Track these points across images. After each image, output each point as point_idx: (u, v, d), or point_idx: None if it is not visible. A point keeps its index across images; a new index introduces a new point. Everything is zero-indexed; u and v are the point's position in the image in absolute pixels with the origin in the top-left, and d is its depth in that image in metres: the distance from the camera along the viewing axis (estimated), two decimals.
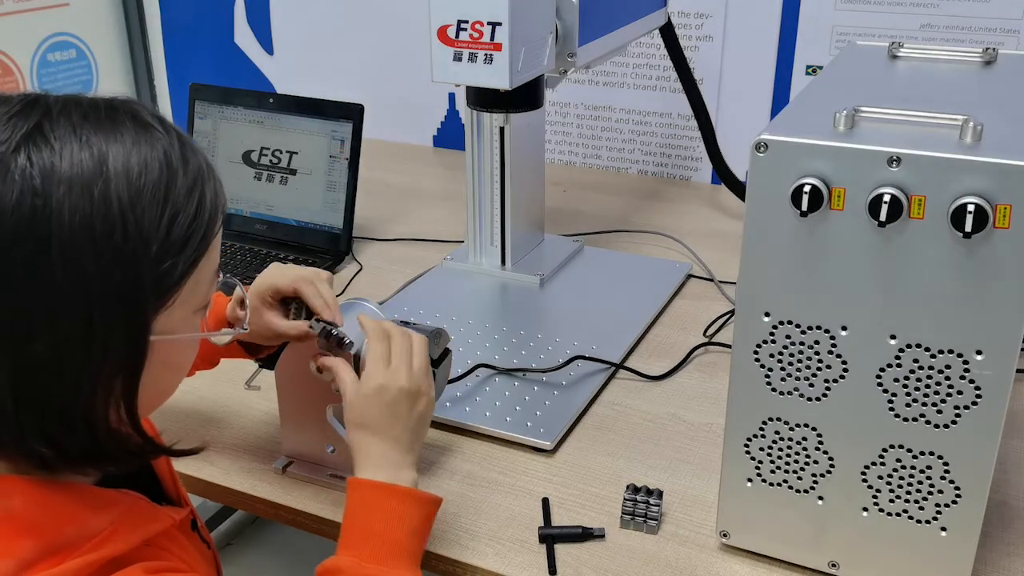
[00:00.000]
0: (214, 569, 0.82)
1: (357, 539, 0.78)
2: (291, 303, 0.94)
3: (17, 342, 0.58)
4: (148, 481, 0.79)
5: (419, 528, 0.80)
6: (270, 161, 1.56)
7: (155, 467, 0.80)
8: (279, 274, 0.92)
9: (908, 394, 0.76)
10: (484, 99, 1.28)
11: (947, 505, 0.78)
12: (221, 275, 0.73)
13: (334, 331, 0.89)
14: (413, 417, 0.85)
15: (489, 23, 1.10)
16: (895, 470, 0.79)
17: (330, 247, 1.52)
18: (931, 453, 0.77)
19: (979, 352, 0.73)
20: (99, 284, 0.59)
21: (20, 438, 0.61)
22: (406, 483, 0.81)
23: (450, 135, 2.09)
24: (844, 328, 0.77)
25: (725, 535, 0.89)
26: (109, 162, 0.60)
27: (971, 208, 0.68)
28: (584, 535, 0.92)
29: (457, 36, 1.12)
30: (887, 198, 0.70)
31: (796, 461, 0.83)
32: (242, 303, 0.88)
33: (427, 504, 0.81)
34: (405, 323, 0.95)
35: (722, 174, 1.66)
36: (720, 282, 1.43)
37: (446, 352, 0.98)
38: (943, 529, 0.79)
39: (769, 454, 0.84)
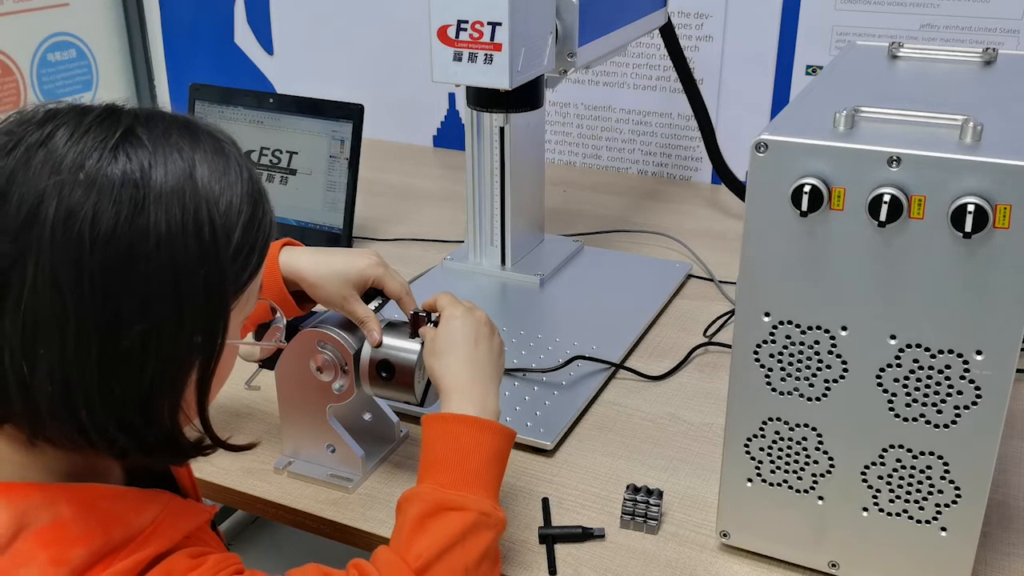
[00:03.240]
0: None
1: (434, 468, 0.81)
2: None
3: (108, 331, 0.60)
4: (169, 482, 0.80)
5: (493, 458, 0.83)
6: (270, 161, 1.56)
7: (174, 470, 0.81)
8: (372, 264, 0.97)
9: (908, 394, 0.76)
10: (484, 99, 1.28)
11: (947, 505, 0.78)
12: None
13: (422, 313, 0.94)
14: (494, 347, 0.90)
15: (489, 23, 1.10)
16: (895, 470, 0.79)
17: (330, 247, 1.52)
18: (931, 453, 0.77)
19: (979, 352, 0.73)
20: (189, 280, 0.62)
21: (101, 425, 0.63)
22: (491, 413, 0.85)
23: (450, 135, 2.09)
24: (844, 328, 0.77)
25: (725, 535, 0.89)
26: (196, 168, 0.63)
27: (971, 208, 0.68)
28: (584, 535, 0.92)
29: (457, 36, 1.12)
30: (887, 198, 0.70)
31: (796, 461, 0.83)
32: (274, 313, 0.91)
33: (501, 435, 0.85)
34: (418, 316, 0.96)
35: (722, 174, 1.66)
36: (720, 282, 1.43)
37: None
38: (943, 529, 0.79)
39: (769, 454, 0.84)
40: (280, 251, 0.97)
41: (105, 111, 0.64)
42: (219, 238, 0.63)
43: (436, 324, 0.92)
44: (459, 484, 0.80)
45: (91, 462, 0.68)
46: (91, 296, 0.59)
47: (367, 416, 1.06)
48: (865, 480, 0.81)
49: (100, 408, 0.62)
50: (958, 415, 0.75)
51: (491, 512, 0.79)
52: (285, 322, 0.89)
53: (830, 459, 0.82)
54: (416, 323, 0.94)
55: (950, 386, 0.75)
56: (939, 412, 0.76)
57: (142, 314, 0.60)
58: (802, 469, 0.83)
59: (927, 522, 0.80)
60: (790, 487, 0.84)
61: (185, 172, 0.62)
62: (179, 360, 0.63)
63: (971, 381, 0.74)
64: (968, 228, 0.68)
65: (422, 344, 0.94)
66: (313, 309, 1.00)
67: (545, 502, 0.97)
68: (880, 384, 0.77)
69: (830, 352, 0.78)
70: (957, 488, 0.78)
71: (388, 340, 0.95)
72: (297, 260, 0.96)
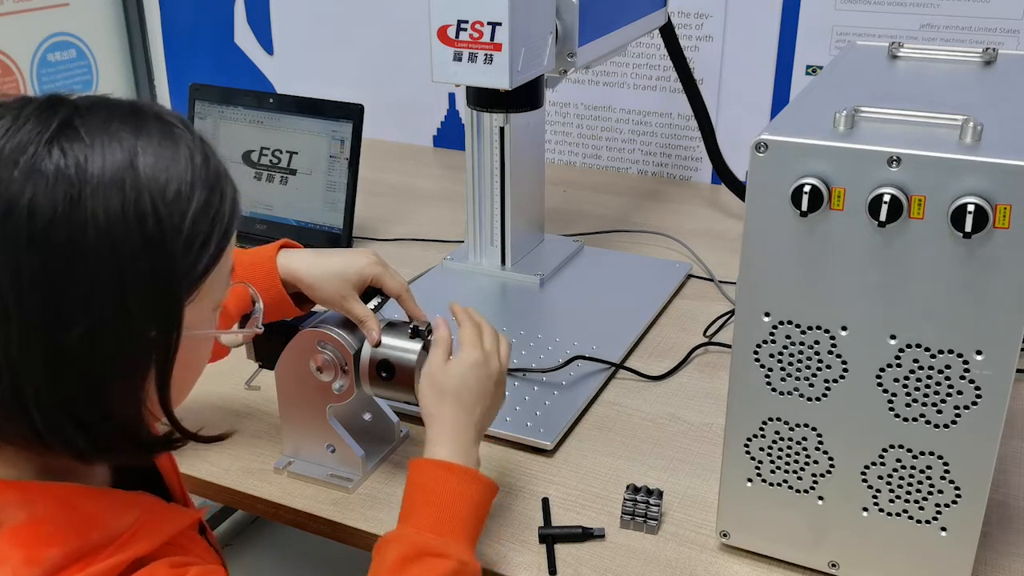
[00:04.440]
0: (224, 572, 0.82)
1: (418, 512, 0.80)
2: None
3: (52, 331, 0.59)
4: (155, 484, 0.79)
5: (477, 508, 0.82)
6: (270, 161, 1.56)
7: (162, 471, 0.81)
8: (372, 263, 0.96)
9: (908, 394, 0.76)
10: (484, 99, 1.28)
11: (947, 505, 0.78)
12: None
13: (421, 328, 0.93)
14: (494, 406, 0.89)
15: (489, 23, 1.10)
16: (895, 470, 0.79)
17: (330, 247, 1.52)
18: (931, 453, 0.77)
19: (979, 352, 0.73)
20: (134, 274, 0.60)
21: (56, 427, 0.62)
22: (473, 463, 0.84)
23: (450, 135, 2.09)
24: (844, 328, 0.77)
25: (725, 535, 0.89)
26: (139, 156, 0.61)
27: (971, 208, 0.68)
28: (584, 535, 0.92)
29: (457, 36, 1.12)
30: (887, 198, 0.70)
31: (796, 461, 0.83)
32: (253, 303, 0.89)
33: (486, 487, 0.84)
34: (422, 325, 0.95)
35: (722, 174, 1.66)
36: (720, 282, 1.43)
37: None
38: (943, 529, 0.79)
39: (769, 454, 0.84)
40: (277, 253, 0.96)
41: (45, 102, 0.62)
42: (165, 228, 0.61)
43: (427, 334, 0.92)
44: (442, 530, 0.79)
45: (70, 461, 0.66)
46: (31, 294, 0.58)
47: (367, 416, 1.06)
48: (865, 480, 0.81)
49: (52, 408, 0.60)
50: (958, 415, 0.75)
51: (469, 562, 0.78)
52: (262, 307, 0.86)
53: (830, 459, 0.82)
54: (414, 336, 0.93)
55: (950, 386, 0.75)
56: (939, 412, 0.76)
57: (86, 311, 0.59)
58: (802, 469, 0.83)
59: (927, 522, 0.80)
60: (790, 487, 0.84)
61: (125, 162, 0.60)
62: (131, 355, 0.62)
63: (971, 381, 0.74)
64: (968, 228, 0.68)
65: (422, 345, 0.94)
66: (313, 309, 1.00)
67: (545, 502, 0.97)
68: (880, 384, 0.77)
69: (830, 352, 0.78)
70: (957, 488, 0.78)
71: (388, 340, 0.95)
72: (294, 261, 0.95)
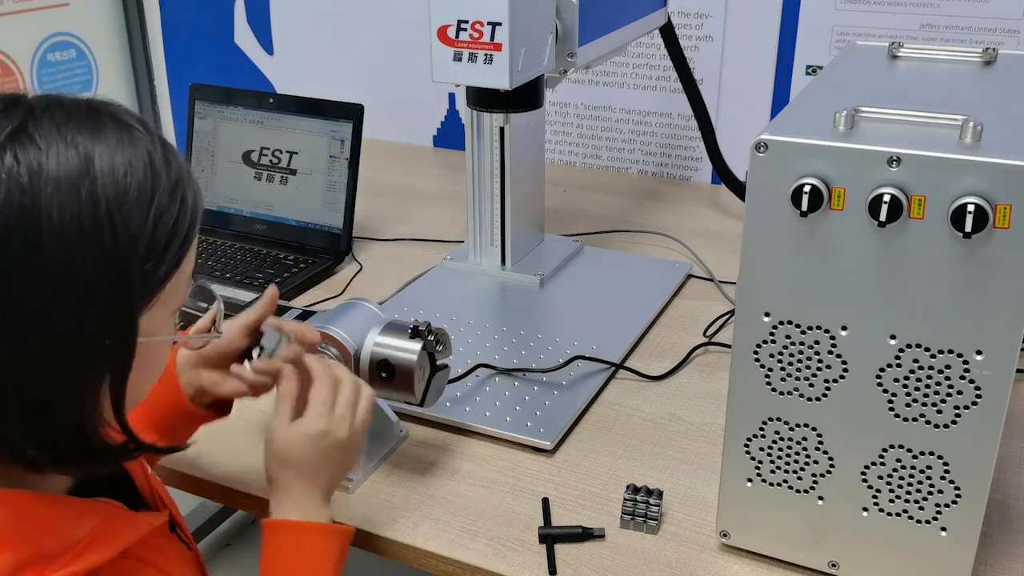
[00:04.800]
0: (198, 570, 0.81)
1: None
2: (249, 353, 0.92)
3: (7, 342, 0.58)
4: (123, 487, 0.78)
5: (340, 561, 0.80)
6: (270, 161, 1.56)
7: (130, 471, 0.80)
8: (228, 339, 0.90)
9: (908, 394, 0.76)
10: (484, 99, 1.28)
11: (947, 505, 0.78)
12: (194, 280, 0.73)
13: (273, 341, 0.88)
14: (341, 470, 0.85)
15: (489, 23, 1.10)
16: (895, 470, 0.79)
17: (330, 247, 1.52)
18: (931, 453, 0.77)
19: (979, 352, 0.73)
20: (89, 282, 0.59)
21: (8, 438, 0.61)
22: (325, 520, 0.82)
23: (450, 135, 2.09)
24: (844, 328, 0.77)
25: (725, 535, 0.89)
26: (95, 161, 0.60)
27: (971, 208, 0.68)
28: (584, 535, 0.92)
29: (457, 36, 1.12)
30: (887, 198, 0.70)
31: (796, 461, 0.83)
32: (211, 303, 0.88)
33: (344, 537, 0.82)
34: (422, 325, 0.95)
35: (722, 174, 1.66)
36: (720, 282, 1.43)
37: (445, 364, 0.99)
38: (943, 529, 0.79)
39: (769, 454, 0.84)
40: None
41: (3, 104, 0.61)
42: (122, 236, 0.60)
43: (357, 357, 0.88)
44: None
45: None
46: None
47: None
48: (865, 480, 0.81)
49: (4, 420, 0.60)
50: (958, 415, 0.75)
51: None
52: (222, 307, 0.83)
53: (830, 459, 0.82)
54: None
55: (950, 386, 0.75)
56: (939, 412, 0.76)
57: (40, 320, 0.58)
58: (802, 469, 0.83)
59: (927, 522, 0.80)
60: (790, 487, 0.84)
61: (81, 167, 0.59)
62: (85, 366, 0.61)
63: (971, 381, 0.74)
64: (968, 228, 0.68)
65: (422, 345, 0.94)
66: (308, 309, 1.00)
67: (545, 502, 0.97)
68: (880, 384, 0.77)
69: (830, 352, 0.78)
70: (957, 488, 0.78)
71: (388, 340, 0.95)
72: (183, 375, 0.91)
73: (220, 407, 0.93)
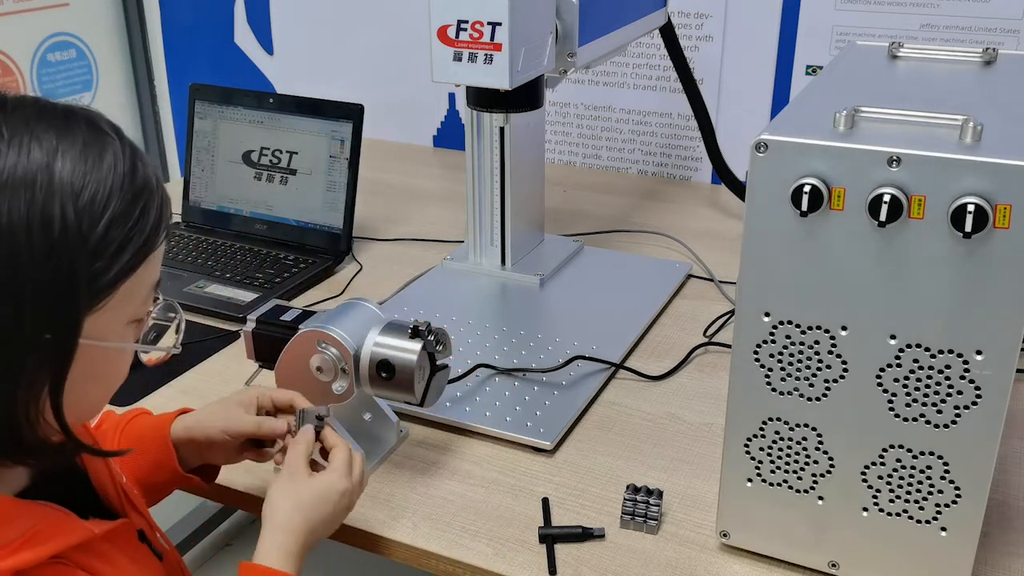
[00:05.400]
0: None
1: None
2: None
3: None
4: (83, 493, 0.78)
5: None
6: (270, 161, 1.56)
7: (97, 480, 0.79)
8: (239, 418, 0.91)
9: (908, 394, 0.76)
10: (484, 99, 1.28)
11: (947, 505, 0.78)
12: (161, 298, 0.72)
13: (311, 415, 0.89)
14: (337, 523, 0.85)
15: (489, 23, 1.10)
16: (895, 470, 0.79)
17: (330, 247, 1.52)
18: (931, 453, 0.77)
19: (979, 352, 0.73)
20: (32, 276, 0.59)
21: None
22: (296, 570, 0.81)
23: (450, 135, 2.09)
24: (844, 328, 0.77)
25: (725, 535, 0.89)
26: (56, 159, 0.61)
27: (971, 208, 0.68)
28: (584, 535, 0.92)
29: (457, 36, 1.12)
30: (887, 198, 0.70)
31: (796, 461, 0.83)
32: (178, 326, 0.88)
33: None
34: (422, 325, 0.95)
35: (722, 174, 1.66)
36: (720, 282, 1.43)
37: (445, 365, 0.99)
38: (943, 529, 0.79)
39: (769, 454, 0.84)
40: (174, 419, 0.93)
41: None
42: (71, 233, 0.60)
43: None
44: None
45: None
46: None
47: (367, 416, 1.06)
48: (865, 480, 0.81)
49: None
50: (958, 415, 0.75)
51: None
52: (182, 324, 0.82)
53: (830, 459, 0.82)
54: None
55: (950, 386, 0.75)
56: (939, 412, 0.76)
57: None
58: (802, 469, 0.83)
59: (927, 522, 0.80)
60: (790, 487, 0.84)
61: (41, 163, 0.60)
62: (22, 360, 0.61)
63: (971, 381, 0.74)
64: (968, 228, 0.68)
65: (422, 345, 0.94)
66: (303, 317, 1.00)
67: (545, 502, 0.97)
68: (880, 384, 0.77)
69: (830, 352, 0.78)
70: (957, 488, 0.78)
71: (388, 340, 0.95)
72: (177, 433, 0.92)
73: (206, 473, 0.95)
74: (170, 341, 0.81)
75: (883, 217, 0.71)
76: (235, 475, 1.02)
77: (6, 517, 0.65)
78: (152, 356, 0.86)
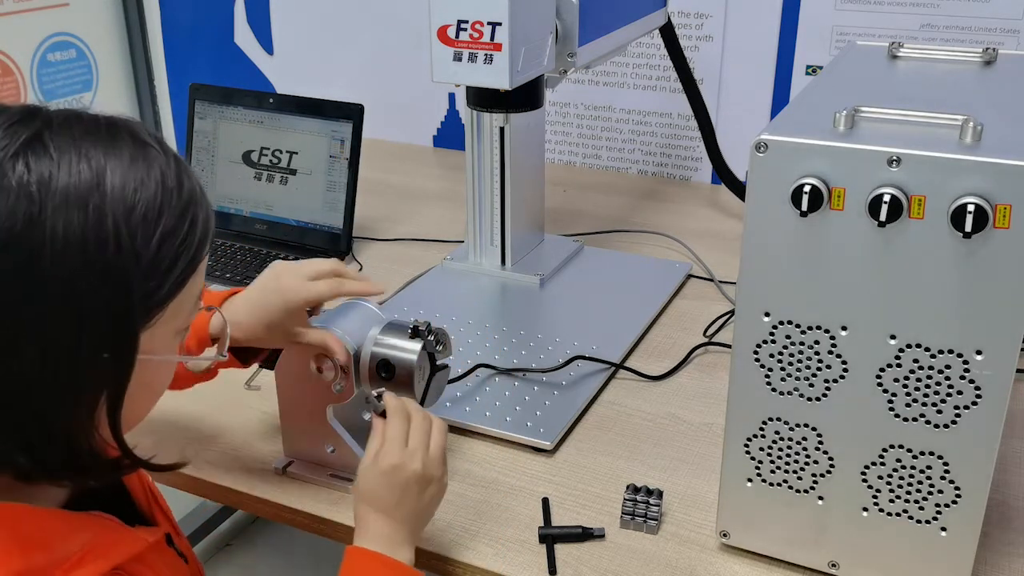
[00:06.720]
0: None
1: None
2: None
3: (2, 350, 0.58)
4: (120, 500, 0.78)
5: None
6: (270, 161, 1.56)
7: (128, 485, 0.79)
8: (303, 287, 0.91)
9: (908, 394, 0.76)
10: (484, 99, 1.28)
11: (947, 505, 0.78)
12: (213, 310, 0.73)
13: (374, 398, 0.89)
14: (422, 502, 0.84)
15: (489, 23, 1.10)
16: (895, 470, 0.79)
17: (330, 247, 1.52)
18: (931, 453, 0.77)
19: (979, 352, 0.73)
20: (89, 297, 0.59)
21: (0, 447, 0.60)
22: (403, 561, 0.81)
23: (450, 135, 2.09)
24: (844, 328, 0.77)
25: (725, 535, 0.89)
26: (106, 176, 0.60)
27: (971, 208, 0.68)
28: (584, 535, 0.92)
29: (457, 36, 1.12)
30: (887, 198, 0.70)
31: (796, 461, 0.83)
32: (221, 331, 0.88)
33: None
34: (422, 325, 0.95)
35: (722, 174, 1.66)
36: (720, 282, 1.43)
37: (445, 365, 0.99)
38: (943, 529, 0.79)
39: (769, 454, 0.84)
40: (212, 316, 0.92)
41: (20, 113, 0.61)
42: (126, 253, 0.60)
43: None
44: None
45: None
46: None
47: (367, 416, 1.06)
48: (865, 480, 0.81)
49: None
50: (958, 415, 0.75)
51: None
52: (229, 333, 0.84)
53: (830, 459, 0.82)
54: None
55: (950, 386, 0.75)
56: (939, 412, 0.76)
57: (39, 333, 0.58)
58: (802, 469, 0.83)
59: (927, 522, 0.80)
60: (790, 487, 0.84)
61: (91, 181, 0.59)
62: (81, 379, 0.61)
63: (971, 381, 0.74)
64: (968, 228, 0.68)
65: (422, 345, 0.94)
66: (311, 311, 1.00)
67: (545, 502, 0.97)
68: (880, 384, 0.77)
69: (830, 352, 0.78)
70: (957, 488, 0.78)
71: (388, 340, 0.95)
72: (239, 323, 0.91)
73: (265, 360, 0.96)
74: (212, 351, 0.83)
75: (883, 217, 0.71)
76: (235, 475, 1.02)
77: (61, 531, 0.65)
78: (198, 365, 0.88)
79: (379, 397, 0.87)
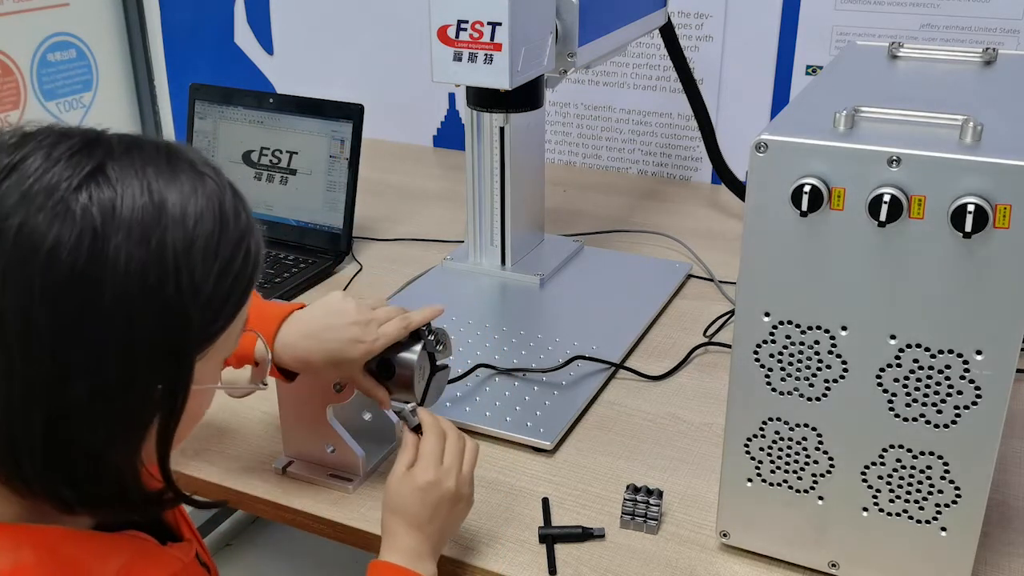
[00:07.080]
0: None
1: None
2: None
3: (56, 385, 0.57)
4: (152, 520, 0.77)
5: None
6: (270, 161, 1.56)
7: None
8: (374, 334, 0.92)
9: (908, 394, 0.76)
10: (484, 99, 1.28)
11: (947, 505, 0.78)
12: (256, 334, 0.73)
13: (407, 412, 0.89)
14: (451, 519, 0.86)
15: (489, 23, 1.10)
16: (895, 470, 0.79)
17: (330, 247, 1.52)
18: (931, 453, 0.77)
19: (979, 352, 0.73)
20: (147, 333, 0.58)
21: (46, 479, 0.60)
22: (425, 574, 0.82)
23: (450, 135, 2.09)
24: (844, 328, 0.77)
25: (725, 535, 0.89)
26: (167, 209, 0.59)
27: (971, 208, 0.68)
28: (584, 535, 0.92)
29: (457, 36, 1.12)
30: (887, 198, 0.70)
31: (796, 461, 0.83)
32: (260, 359, 0.87)
33: None
34: (426, 328, 0.95)
35: (722, 174, 1.66)
36: (720, 282, 1.43)
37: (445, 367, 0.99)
38: (943, 529, 0.79)
39: (769, 454, 0.84)
40: (283, 323, 0.92)
41: (81, 141, 0.59)
42: (184, 289, 0.59)
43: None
44: None
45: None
46: (39, 348, 0.55)
47: (367, 416, 1.06)
48: (865, 480, 0.81)
49: (45, 462, 0.58)
50: (958, 415, 0.75)
51: None
52: (271, 360, 0.84)
53: (830, 459, 0.82)
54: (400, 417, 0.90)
55: (950, 386, 0.75)
56: (939, 412, 0.76)
57: (93, 367, 0.57)
58: (802, 469, 0.83)
59: (927, 522, 0.80)
60: (790, 487, 0.84)
61: (153, 215, 0.58)
62: (135, 415, 0.60)
63: (971, 381, 0.74)
64: (968, 228, 0.68)
65: (422, 345, 0.94)
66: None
67: (545, 502, 0.97)
68: (880, 384, 0.77)
69: (830, 352, 0.78)
70: (957, 488, 0.78)
71: None
72: (293, 340, 0.91)
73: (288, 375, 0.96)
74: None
75: (883, 217, 0.71)
76: (235, 475, 1.02)
77: (99, 553, 0.64)
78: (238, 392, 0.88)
79: (413, 412, 0.88)
